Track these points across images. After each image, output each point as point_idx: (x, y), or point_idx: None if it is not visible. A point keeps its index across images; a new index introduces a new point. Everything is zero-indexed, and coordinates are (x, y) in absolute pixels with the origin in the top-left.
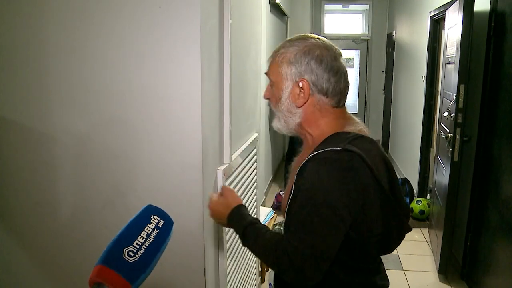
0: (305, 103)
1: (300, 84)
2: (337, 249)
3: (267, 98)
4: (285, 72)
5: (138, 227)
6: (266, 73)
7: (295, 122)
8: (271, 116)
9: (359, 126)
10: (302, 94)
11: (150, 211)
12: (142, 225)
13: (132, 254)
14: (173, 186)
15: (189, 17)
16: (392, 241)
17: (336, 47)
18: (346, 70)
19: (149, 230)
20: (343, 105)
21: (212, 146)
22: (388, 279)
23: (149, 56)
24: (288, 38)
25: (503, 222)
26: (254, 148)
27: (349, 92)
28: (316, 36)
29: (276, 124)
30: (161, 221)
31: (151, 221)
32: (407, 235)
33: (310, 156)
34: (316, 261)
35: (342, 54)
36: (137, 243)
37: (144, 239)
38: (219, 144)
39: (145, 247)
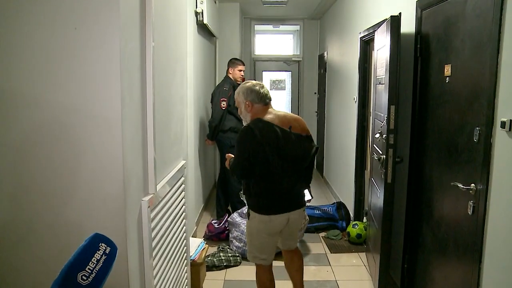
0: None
1: (247, 103)
2: (248, 166)
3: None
4: (239, 99)
5: (89, 253)
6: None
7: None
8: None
9: (271, 115)
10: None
11: (98, 239)
12: (92, 251)
13: (85, 278)
14: (93, 219)
15: (108, 39)
16: (274, 169)
17: (259, 84)
18: (266, 90)
19: (98, 256)
20: (268, 103)
21: (135, 176)
22: (288, 187)
23: (64, 80)
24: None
25: (436, 241)
26: (182, 176)
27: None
28: (250, 81)
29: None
30: (108, 247)
31: (100, 248)
32: (345, 261)
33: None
34: (239, 169)
35: (263, 84)
36: (89, 268)
37: (94, 264)
38: (143, 173)
39: (96, 271)
